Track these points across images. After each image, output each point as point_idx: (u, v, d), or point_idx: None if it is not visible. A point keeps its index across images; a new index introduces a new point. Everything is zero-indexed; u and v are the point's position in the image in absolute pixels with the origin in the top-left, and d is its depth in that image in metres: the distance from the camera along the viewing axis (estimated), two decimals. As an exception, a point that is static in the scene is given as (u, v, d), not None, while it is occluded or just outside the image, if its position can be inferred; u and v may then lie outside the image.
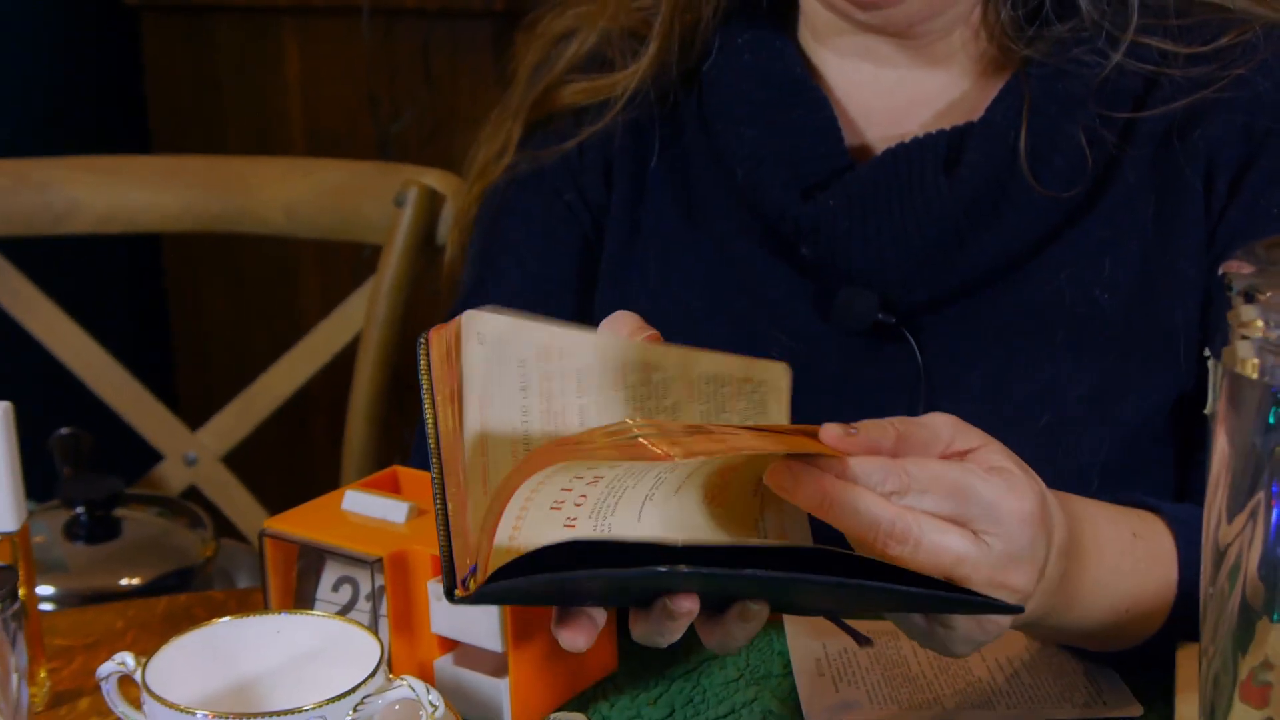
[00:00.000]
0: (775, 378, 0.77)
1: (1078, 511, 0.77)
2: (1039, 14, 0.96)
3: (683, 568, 0.64)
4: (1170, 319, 0.95)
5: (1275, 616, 0.57)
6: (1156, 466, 0.96)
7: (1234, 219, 0.94)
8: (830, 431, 0.68)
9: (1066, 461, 0.94)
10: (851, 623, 0.78)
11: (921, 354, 0.96)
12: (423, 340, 0.71)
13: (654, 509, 0.71)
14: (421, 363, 0.71)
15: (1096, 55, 0.95)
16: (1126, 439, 0.94)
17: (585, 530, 0.69)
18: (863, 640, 0.78)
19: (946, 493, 0.69)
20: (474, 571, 0.67)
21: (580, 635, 0.71)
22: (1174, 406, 0.95)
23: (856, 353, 0.97)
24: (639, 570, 0.64)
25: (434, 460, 0.70)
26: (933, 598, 0.69)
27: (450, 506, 0.69)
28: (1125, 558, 0.79)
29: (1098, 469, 0.94)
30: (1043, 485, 0.74)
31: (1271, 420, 0.52)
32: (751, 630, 0.72)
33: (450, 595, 0.68)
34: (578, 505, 0.68)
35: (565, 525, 0.68)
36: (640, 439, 0.63)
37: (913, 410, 0.95)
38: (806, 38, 1.02)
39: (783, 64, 0.99)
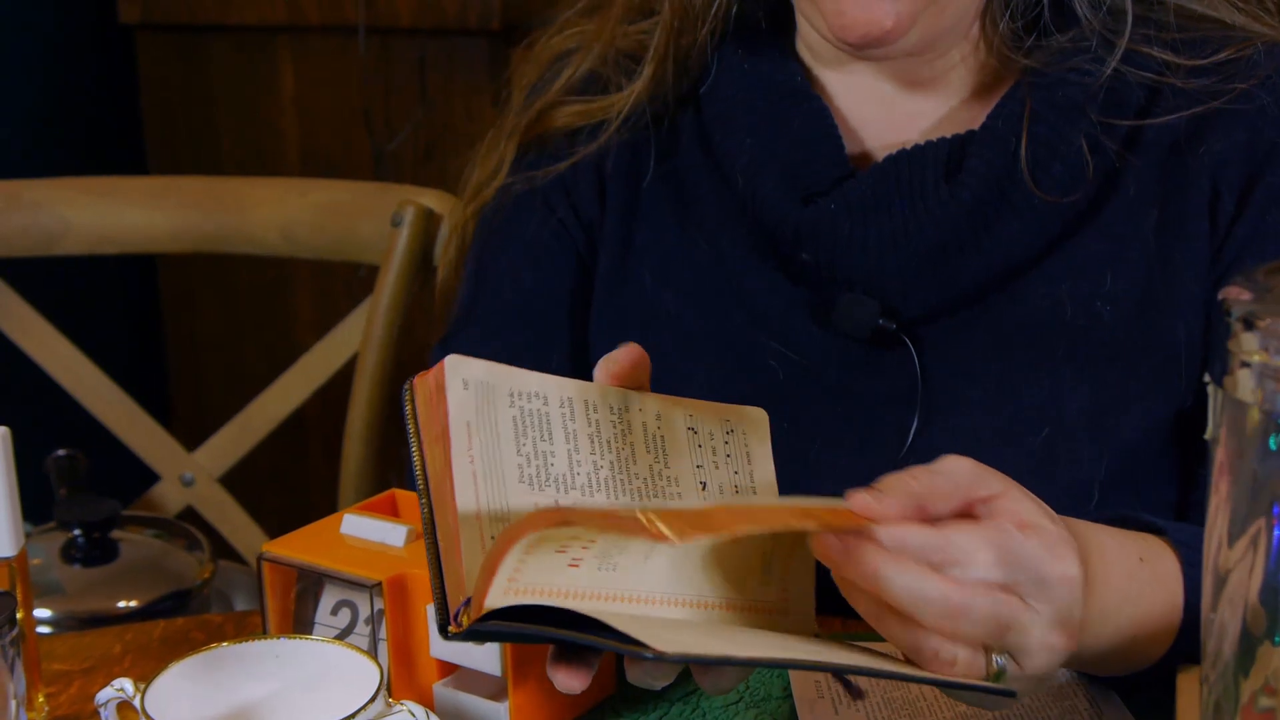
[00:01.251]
0: (754, 421, 0.78)
1: (1084, 536, 0.77)
2: (1037, 24, 0.96)
3: (669, 653, 0.64)
4: (1172, 334, 0.95)
5: (1277, 640, 0.57)
6: (1157, 481, 0.96)
7: (1240, 235, 0.94)
8: (859, 499, 0.69)
9: (1066, 475, 0.94)
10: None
11: (921, 363, 0.96)
12: (408, 387, 0.74)
13: (661, 553, 0.71)
14: (407, 408, 0.73)
15: (1097, 64, 0.95)
16: (1127, 453, 0.94)
17: (589, 570, 0.70)
18: (857, 694, 0.78)
19: (993, 561, 0.68)
20: (467, 605, 0.68)
21: (575, 678, 0.71)
22: (1174, 421, 0.95)
23: (855, 361, 0.97)
24: (627, 651, 0.64)
25: (423, 500, 0.72)
26: (935, 682, 0.69)
27: (441, 545, 0.71)
28: (1133, 582, 0.79)
29: (1097, 483, 0.94)
30: (1074, 534, 0.74)
31: (1272, 446, 0.52)
32: (744, 675, 0.72)
33: (444, 631, 0.68)
34: (584, 548, 0.68)
35: (570, 565, 0.69)
36: (639, 519, 0.64)
37: (909, 420, 0.95)
38: (805, 52, 1.02)
39: (782, 74, 1.00)
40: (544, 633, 0.66)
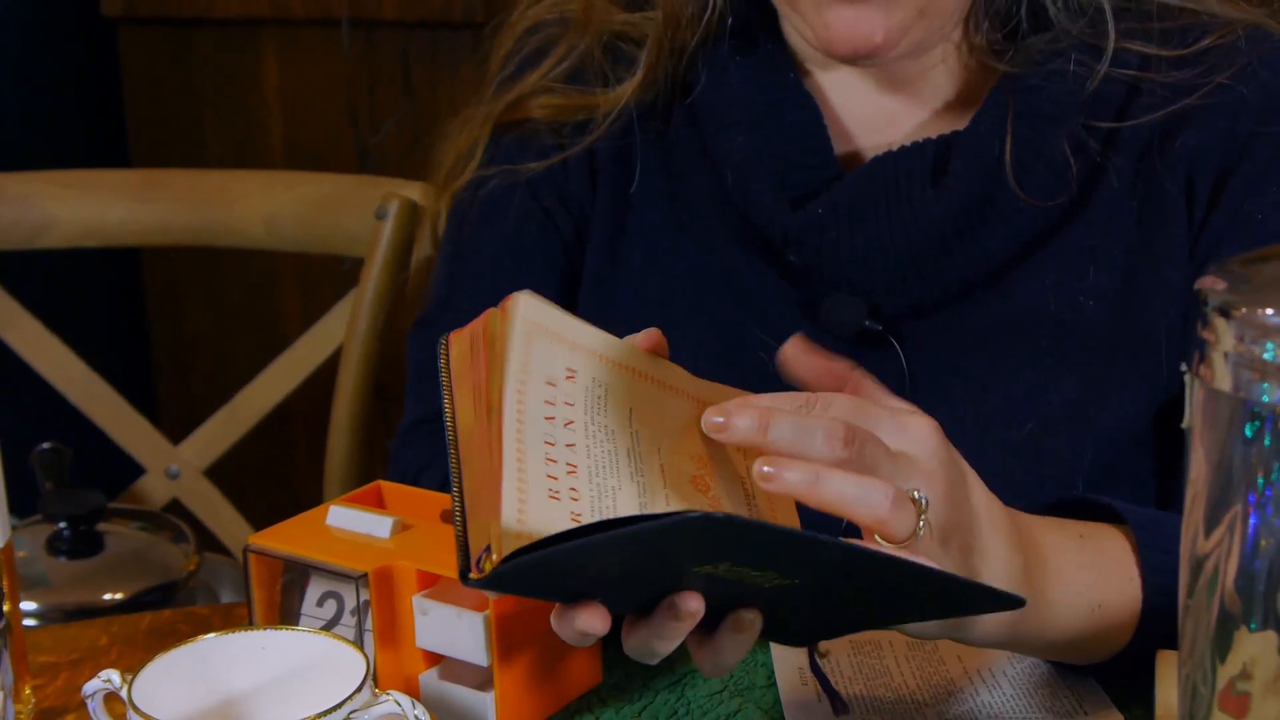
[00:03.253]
0: None
1: (1019, 514, 0.78)
2: (1018, 30, 0.97)
3: (717, 514, 0.63)
4: (1154, 325, 0.95)
5: (1253, 626, 0.57)
6: (1140, 473, 0.97)
7: (1217, 225, 0.95)
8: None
9: (1050, 467, 0.95)
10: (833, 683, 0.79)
11: (906, 360, 0.96)
12: (443, 342, 0.75)
13: (652, 502, 0.71)
14: (441, 361, 0.74)
15: (1077, 65, 0.95)
16: (1109, 445, 0.95)
17: (588, 498, 0.70)
18: (840, 708, 0.78)
19: (848, 409, 0.70)
20: (488, 551, 0.67)
21: (595, 618, 0.69)
22: (1157, 413, 0.96)
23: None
24: (669, 520, 0.62)
25: (452, 450, 0.72)
26: (948, 578, 0.69)
27: (467, 491, 0.70)
28: (1080, 554, 0.80)
29: (1081, 474, 0.95)
30: (1014, 520, 0.76)
31: (1248, 434, 0.53)
32: (744, 644, 0.72)
33: (465, 578, 0.67)
34: (574, 496, 0.68)
35: (572, 518, 0.68)
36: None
37: None
38: (795, 50, 1.03)
39: (774, 73, 1.00)
40: (572, 546, 0.64)
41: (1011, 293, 0.96)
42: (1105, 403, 0.95)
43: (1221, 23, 0.97)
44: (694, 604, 0.68)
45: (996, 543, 0.74)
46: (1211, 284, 0.54)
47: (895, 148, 0.97)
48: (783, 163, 0.98)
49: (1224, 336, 0.52)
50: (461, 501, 0.70)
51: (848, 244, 0.95)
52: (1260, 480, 0.54)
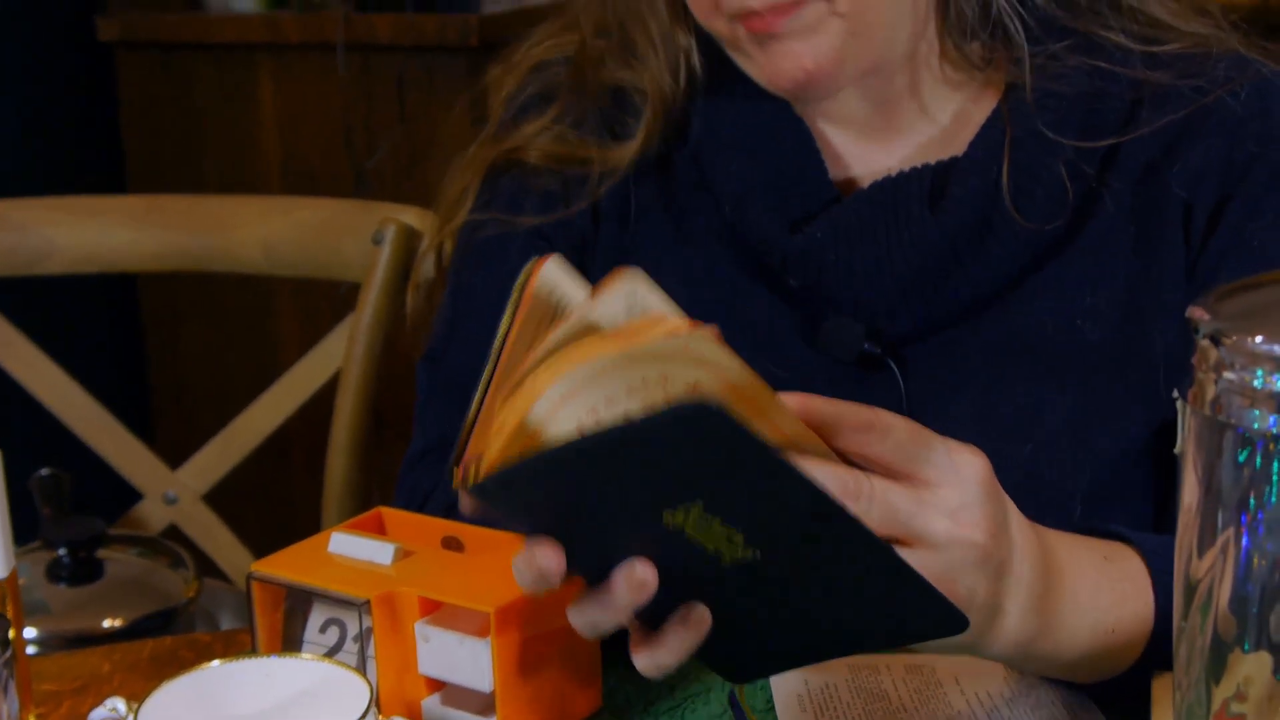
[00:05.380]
0: None
1: (1047, 536, 0.78)
2: (994, 28, 0.98)
3: (713, 404, 0.61)
4: (1152, 348, 0.96)
5: (1246, 647, 0.58)
6: (1137, 494, 0.97)
7: (1215, 249, 0.96)
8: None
9: (1049, 489, 0.95)
10: None
11: (906, 383, 0.97)
12: (532, 263, 0.73)
13: None
14: (521, 277, 0.72)
15: (1072, 76, 0.96)
16: (1108, 467, 0.96)
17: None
18: None
19: (908, 446, 0.70)
20: (479, 460, 0.68)
21: (552, 556, 0.68)
22: (1155, 434, 0.96)
23: (842, 381, 0.98)
24: (669, 411, 0.61)
25: (493, 359, 0.71)
26: (911, 576, 0.68)
27: (490, 399, 0.70)
28: (1102, 577, 0.80)
29: (1080, 496, 0.96)
30: (1040, 538, 0.76)
31: (1239, 459, 0.54)
32: (686, 643, 0.70)
33: (448, 474, 0.68)
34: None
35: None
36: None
37: None
38: None
39: (767, 100, 1.01)
40: (555, 452, 0.63)
41: (1010, 315, 0.97)
42: (1103, 424, 0.96)
43: (1196, 38, 0.98)
44: (647, 572, 0.67)
45: (1025, 570, 0.75)
46: (1202, 312, 0.55)
47: (893, 173, 0.97)
48: (780, 187, 0.99)
49: (1214, 363, 0.53)
50: (478, 409, 0.70)
51: (847, 266, 0.96)
52: (1251, 503, 0.55)
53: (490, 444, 0.68)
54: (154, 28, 2.32)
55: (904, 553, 0.69)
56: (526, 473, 0.65)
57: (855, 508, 0.67)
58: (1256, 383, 0.51)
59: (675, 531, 0.66)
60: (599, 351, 0.66)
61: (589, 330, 0.69)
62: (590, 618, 0.71)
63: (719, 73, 1.02)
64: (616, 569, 0.68)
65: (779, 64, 0.94)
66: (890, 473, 0.71)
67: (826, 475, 0.68)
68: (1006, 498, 0.75)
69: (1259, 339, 0.52)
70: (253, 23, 2.27)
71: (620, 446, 0.63)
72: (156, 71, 2.34)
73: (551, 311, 0.72)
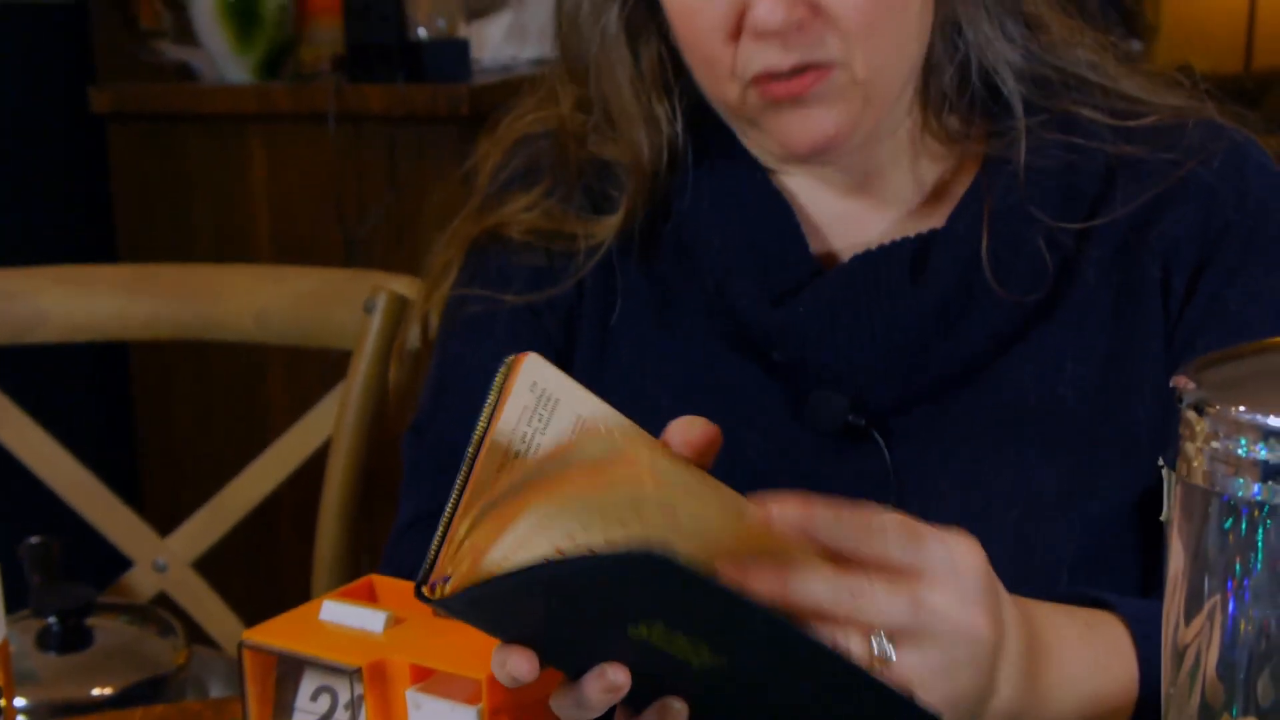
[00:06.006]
0: None
1: (1033, 610, 0.79)
2: (973, 101, 1.00)
3: (658, 553, 0.63)
4: (1134, 416, 0.97)
5: (1235, 712, 0.59)
6: (1124, 560, 0.98)
7: (1193, 317, 0.97)
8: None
9: (1036, 557, 0.96)
10: None
11: (891, 454, 0.98)
12: (507, 361, 0.74)
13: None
14: (499, 379, 0.74)
15: (1048, 149, 0.98)
16: (1094, 533, 0.96)
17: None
18: None
19: (908, 542, 0.71)
20: (445, 581, 0.69)
21: (524, 662, 0.70)
22: (1139, 500, 0.97)
23: (827, 453, 0.99)
24: (611, 554, 0.65)
25: (465, 467, 0.72)
26: (878, 685, 0.70)
27: (459, 513, 0.71)
28: (1086, 647, 0.81)
29: (1066, 563, 0.96)
30: (1021, 609, 0.77)
31: (1225, 526, 0.54)
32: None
33: (418, 590, 0.69)
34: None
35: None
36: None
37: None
38: (759, 157, 1.04)
39: (746, 176, 1.02)
40: (517, 577, 0.65)
41: (993, 386, 0.98)
42: (1089, 491, 0.96)
43: (1165, 108, 1.00)
44: (619, 676, 0.69)
45: (1015, 647, 0.75)
46: (1185, 382, 0.56)
47: (874, 246, 0.99)
48: (762, 262, 1.00)
49: (1199, 433, 0.54)
50: (452, 512, 0.71)
51: (830, 340, 0.97)
52: (1238, 569, 0.56)
53: (458, 564, 0.69)
54: (146, 98, 2.34)
55: (906, 650, 0.70)
56: (491, 593, 0.67)
57: (851, 614, 0.69)
58: (1240, 451, 0.52)
59: (641, 642, 0.68)
60: (566, 490, 0.69)
61: (556, 463, 0.71)
62: (569, 713, 0.72)
63: (701, 146, 1.03)
64: (588, 674, 0.70)
65: (801, 128, 0.95)
66: (887, 570, 0.71)
67: (818, 587, 0.69)
68: (998, 581, 0.75)
69: (1242, 408, 0.52)
70: (245, 93, 2.29)
71: (578, 576, 0.66)
72: (148, 142, 2.35)
73: (518, 443, 0.73)
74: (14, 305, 1.47)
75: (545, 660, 0.70)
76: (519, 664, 0.70)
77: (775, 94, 0.94)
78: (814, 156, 0.97)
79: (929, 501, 0.97)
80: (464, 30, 2.39)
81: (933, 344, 0.97)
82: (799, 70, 0.93)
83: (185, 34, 2.42)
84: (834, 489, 0.98)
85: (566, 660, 0.72)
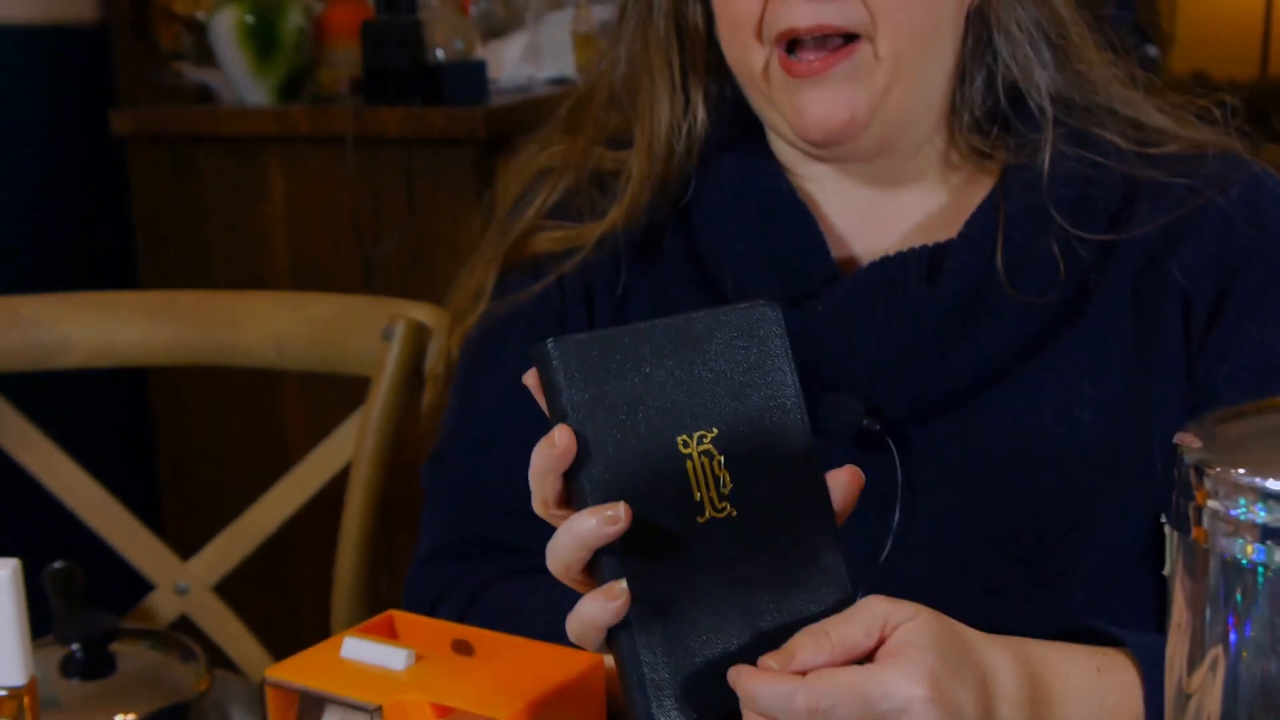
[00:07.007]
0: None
1: (1040, 657, 0.80)
2: (997, 120, 1.01)
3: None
4: (1148, 442, 0.97)
5: (1238, 757, 0.60)
6: (1139, 584, 0.99)
7: (1215, 346, 0.98)
8: (770, 666, 0.72)
9: (1049, 579, 0.97)
10: None
11: (905, 466, 0.98)
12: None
13: None
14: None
15: (1066, 162, 0.99)
16: (1109, 557, 0.97)
17: None
18: None
19: (854, 701, 0.71)
20: None
21: (567, 436, 0.73)
22: (1155, 526, 0.98)
23: (839, 461, 0.99)
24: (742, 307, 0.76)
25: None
26: None
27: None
28: (1095, 693, 0.82)
29: (1080, 585, 0.97)
30: (1025, 654, 0.78)
31: (1226, 583, 0.56)
32: (600, 613, 0.73)
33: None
34: None
35: None
36: None
37: (889, 519, 0.98)
38: (782, 155, 1.06)
39: (766, 180, 1.03)
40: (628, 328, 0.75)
41: (1009, 402, 0.98)
42: (1104, 516, 0.97)
43: (1186, 139, 1.01)
44: (620, 509, 0.72)
45: (1010, 686, 0.76)
46: (1189, 439, 0.57)
47: (891, 252, 0.99)
48: (781, 265, 1.01)
49: (1199, 492, 0.55)
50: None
51: (846, 341, 0.98)
52: (1238, 622, 0.57)
53: None
54: (166, 121, 2.35)
55: None
56: (604, 339, 0.74)
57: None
58: (1238, 513, 0.53)
59: (678, 463, 0.74)
60: None
61: None
62: (567, 554, 0.74)
63: (725, 146, 1.04)
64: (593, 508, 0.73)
65: (819, 110, 0.96)
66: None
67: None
68: (962, 642, 0.76)
69: (1241, 471, 0.54)
70: (263, 116, 2.30)
71: (695, 325, 0.75)
72: (167, 164, 2.37)
73: None
74: (40, 332, 1.48)
75: (581, 469, 0.73)
76: (564, 435, 0.73)
77: (797, 72, 0.95)
78: (826, 143, 0.97)
79: (940, 517, 0.98)
80: (480, 51, 2.40)
81: (948, 350, 0.97)
82: (823, 38, 0.94)
83: (205, 56, 2.44)
84: None
85: (598, 471, 0.74)
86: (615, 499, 0.73)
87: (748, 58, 0.98)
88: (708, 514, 0.75)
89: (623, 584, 0.73)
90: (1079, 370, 0.98)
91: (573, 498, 0.75)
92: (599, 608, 0.73)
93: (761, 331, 0.78)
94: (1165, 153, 1.01)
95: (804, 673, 0.71)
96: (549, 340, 0.74)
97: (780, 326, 0.78)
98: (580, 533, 0.73)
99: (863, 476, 0.80)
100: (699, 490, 0.74)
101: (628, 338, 0.75)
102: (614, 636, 0.75)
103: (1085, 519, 0.97)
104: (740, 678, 0.72)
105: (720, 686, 0.73)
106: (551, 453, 0.73)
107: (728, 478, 0.75)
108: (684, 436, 0.74)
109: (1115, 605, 0.97)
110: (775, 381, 0.77)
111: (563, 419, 0.74)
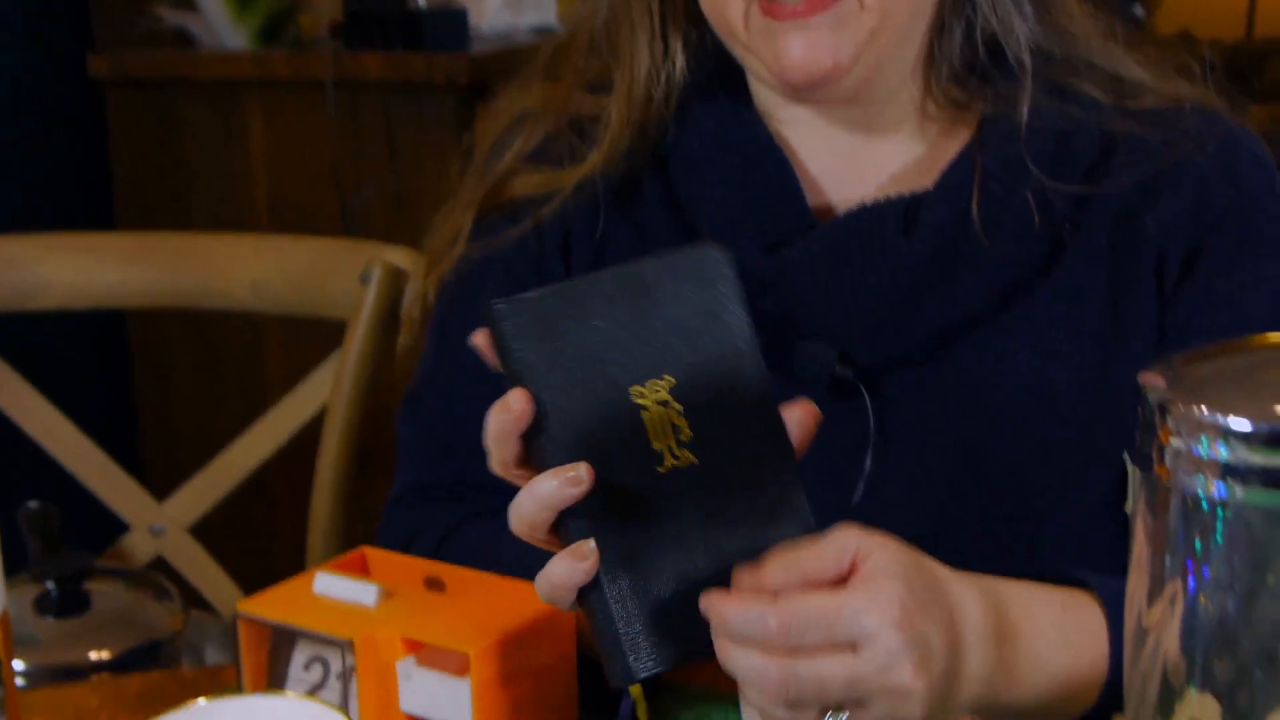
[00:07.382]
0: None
1: (1007, 594, 0.81)
2: (983, 75, 1.01)
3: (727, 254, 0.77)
4: (1123, 398, 0.98)
5: (1192, 684, 0.61)
6: (1110, 534, 0.98)
7: (1186, 304, 0.98)
8: (744, 577, 0.73)
9: (1021, 528, 0.97)
10: None
11: (876, 414, 0.99)
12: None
13: None
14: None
15: (1043, 115, 0.99)
16: (1081, 508, 0.98)
17: None
18: None
19: (823, 625, 0.72)
20: None
21: (523, 400, 0.73)
22: (1126, 480, 0.98)
23: None
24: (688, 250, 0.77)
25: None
26: None
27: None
28: (1059, 630, 0.83)
29: (1051, 535, 0.98)
30: (993, 590, 0.79)
31: (1184, 519, 0.56)
32: (567, 573, 0.74)
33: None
34: None
35: None
36: None
37: (861, 466, 0.99)
38: (761, 103, 1.06)
39: (745, 128, 1.03)
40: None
41: (983, 354, 0.99)
42: (1076, 466, 0.98)
43: (1173, 96, 1.01)
44: (583, 470, 0.72)
45: (977, 630, 0.77)
46: (1153, 378, 0.58)
47: (868, 202, 1.00)
48: (758, 212, 1.00)
49: (1161, 430, 0.56)
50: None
51: (822, 290, 0.98)
52: (1197, 558, 0.58)
53: None
54: (145, 65, 2.34)
55: (858, 713, 0.73)
56: (553, 295, 0.74)
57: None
58: (1200, 450, 0.54)
59: (633, 415, 0.74)
60: None
61: None
62: (532, 513, 0.74)
63: (699, 93, 1.04)
64: (554, 470, 0.73)
65: (801, 54, 0.95)
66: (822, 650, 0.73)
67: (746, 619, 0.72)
68: (933, 577, 0.77)
69: (1203, 408, 0.54)
70: (243, 60, 2.29)
71: (642, 274, 0.76)
72: (146, 108, 2.36)
73: None
74: (17, 273, 1.48)
75: (540, 430, 0.73)
76: (520, 399, 0.73)
77: (778, 15, 0.94)
78: (807, 87, 0.97)
79: (912, 467, 0.98)
80: (462, -2, 2.39)
81: (924, 299, 0.98)
82: None
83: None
84: (817, 445, 1.00)
85: (556, 431, 0.74)
86: (576, 458, 0.73)
87: (726, 10, 0.98)
88: (668, 463, 0.75)
89: (591, 544, 0.73)
90: (1054, 322, 0.99)
91: (532, 457, 0.75)
92: (568, 568, 0.74)
93: (710, 273, 0.77)
94: (1143, 107, 1.01)
95: (775, 598, 0.72)
96: (498, 302, 0.74)
97: (730, 268, 0.78)
98: (542, 494, 0.73)
99: (818, 411, 0.80)
100: (657, 440, 0.75)
101: (577, 290, 0.75)
102: (584, 594, 0.75)
103: (1057, 470, 0.98)
104: (712, 603, 0.73)
105: (694, 623, 0.74)
106: (508, 417, 0.74)
107: (686, 425, 0.75)
108: (638, 387, 0.74)
109: (1086, 555, 0.98)
110: (727, 324, 0.77)
111: (518, 381, 0.74)
